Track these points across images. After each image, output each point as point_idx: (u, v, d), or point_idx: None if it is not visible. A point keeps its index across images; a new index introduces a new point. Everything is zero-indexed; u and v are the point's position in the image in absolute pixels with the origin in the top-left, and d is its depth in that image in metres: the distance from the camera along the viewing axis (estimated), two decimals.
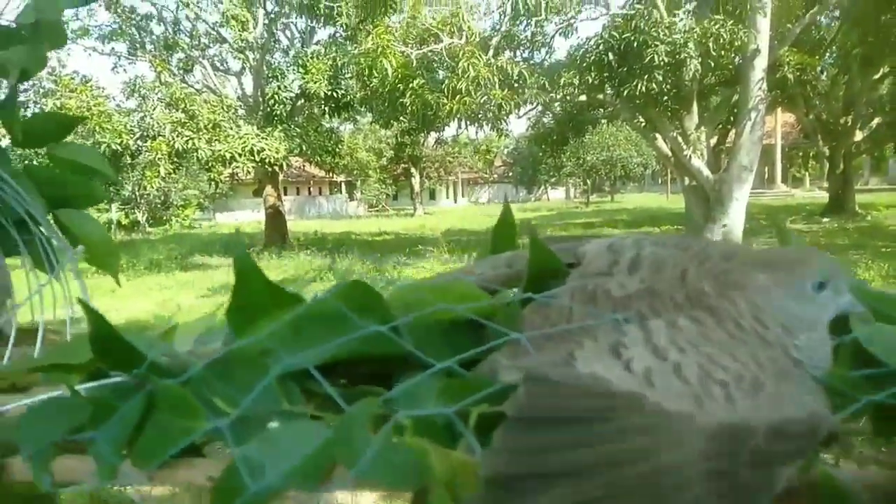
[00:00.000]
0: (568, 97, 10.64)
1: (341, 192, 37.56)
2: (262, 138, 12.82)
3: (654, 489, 0.35)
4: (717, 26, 8.74)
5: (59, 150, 0.87)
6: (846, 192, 16.50)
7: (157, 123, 12.44)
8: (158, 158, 12.12)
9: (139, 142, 12.58)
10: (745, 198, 9.42)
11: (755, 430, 0.36)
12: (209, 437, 0.45)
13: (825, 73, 15.66)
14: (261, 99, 14.21)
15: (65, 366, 0.53)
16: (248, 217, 29.73)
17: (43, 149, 0.87)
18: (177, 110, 12.66)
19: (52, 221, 0.85)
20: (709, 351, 0.41)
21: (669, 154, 10.63)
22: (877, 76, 15.14)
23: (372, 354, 0.48)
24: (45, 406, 0.49)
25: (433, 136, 24.75)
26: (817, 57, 14.10)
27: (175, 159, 12.70)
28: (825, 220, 15.03)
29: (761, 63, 9.12)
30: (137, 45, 14.95)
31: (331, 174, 23.29)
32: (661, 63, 8.77)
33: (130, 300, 8.02)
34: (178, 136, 12.24)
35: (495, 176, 40.93)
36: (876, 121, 16.22)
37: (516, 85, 9.98)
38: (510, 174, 38.73)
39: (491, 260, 0.62)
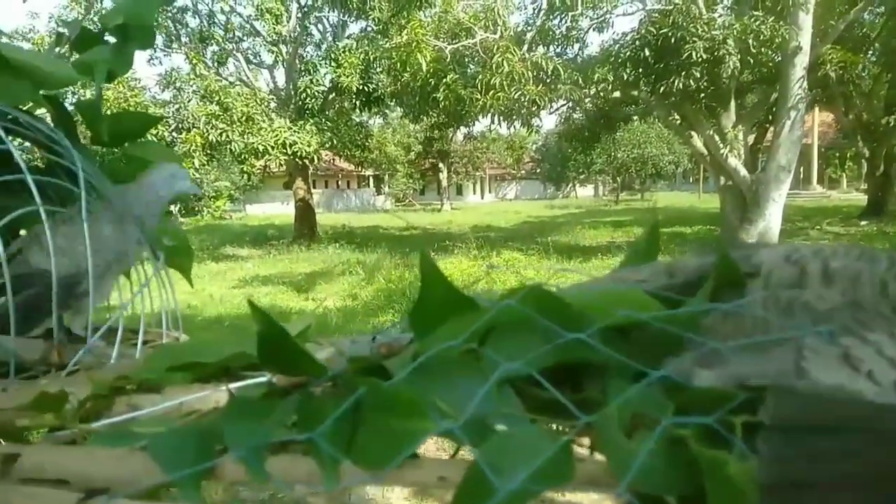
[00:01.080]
0: (601, 93, 10.51)
1: (369, 186, 37.75)
2: (294, 131, 12.92)
3: None
4: (757, 23, 8.55)
5: (135, 150, 0.88)
6: (886, 194, 16.06)
7: (192, 115, 12.62)
8: (193, 150, 12.29)
9: (174, 133, 12.76)
10: (783, 199, 9.22)
11: None
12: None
13: (867, 72, 15.21)
14: (293, 92, 14.31)
15: (202, 365, 0.54)
16: (277, 209, 30.03)
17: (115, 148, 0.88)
18: (211, 103, 12.81)
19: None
20: None
21: (705, 152, 10.44)
22: None
23: (567, 361, 0.48)
24: (245, 404, 0.49)
25: (462, 131, 24.67)
26: (860, 55, 13.70)
27: (209, 151, 12.86)
28: (863, 222, 14.63)
29: (802, 61, 8.90)
30: (173, 38, 15.15)
31: (360, 168, 23.36)
32: (699, 59, 8.60)
33: (161, 288, 8.14)
34: (212, 129, 12.39)
35: (523, 172, 40.71)
36: None
37: (549, 80, 9.88)
38: (538, 171, 38.50)
39: (646, 268, 0.60)
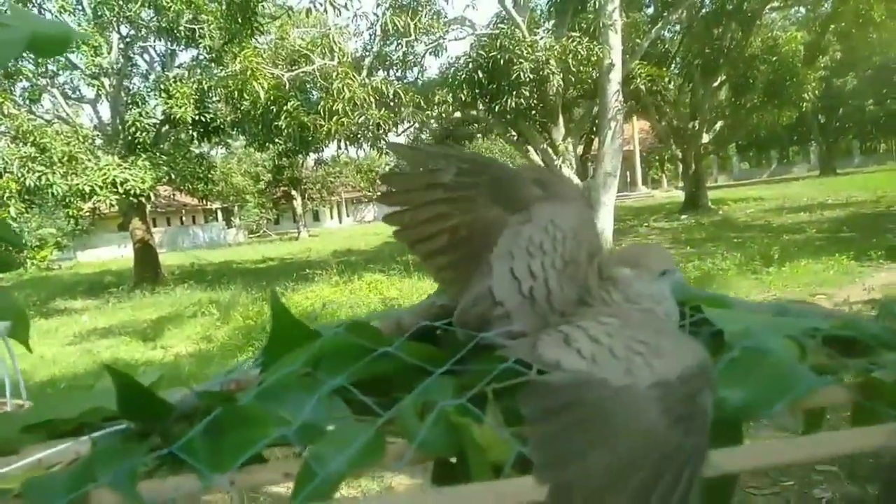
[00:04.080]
0: (443, 114, 10.90)
1: (217, 220, 35.95)
2: (125, 168, 12.00)
3: (632, 438, 0.50)
4: (574, 43, 9.34)
5: None
6: (699, 189, 18.11)
7: (3, 159, 11.31)
8: (8, 198, 11.00)
9: None
10: (612, 202, 10.08)
11: (672, 380, 0.53)
12: (274, 443, 0.54)
13: (672, 83, 17.16)
14: (120, 127, 13.31)
15: (60, 421, 0.58)
16: (113, 253, 27.66)
17: None
18: (25, 144, 11.57)
19: None
20: (625, 332, 0.59)
21: (541, 164, 11.17)
22: (715, 83, 16.82)
23: (383, 373, 0.62)
24: (110, 444, 0.54)
25: (312, 156, 24.33)
26: (664, 68, 15.44)
27: (27, 197, 11.59)
28: (683, 216, 16.38)
29: (616, 76, 9.85)
30: None
31: (204, 202, 22.21)
32: (527, 79, 9.23)
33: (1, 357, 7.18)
34: (28, 172, 11.18)
35: (379, 193, 40.85)
36: (719, 124, 17.99)
37: (392, 104, 10.08)
38: None
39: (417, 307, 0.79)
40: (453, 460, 0.57)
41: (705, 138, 17.69)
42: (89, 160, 11.80)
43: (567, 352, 0.57)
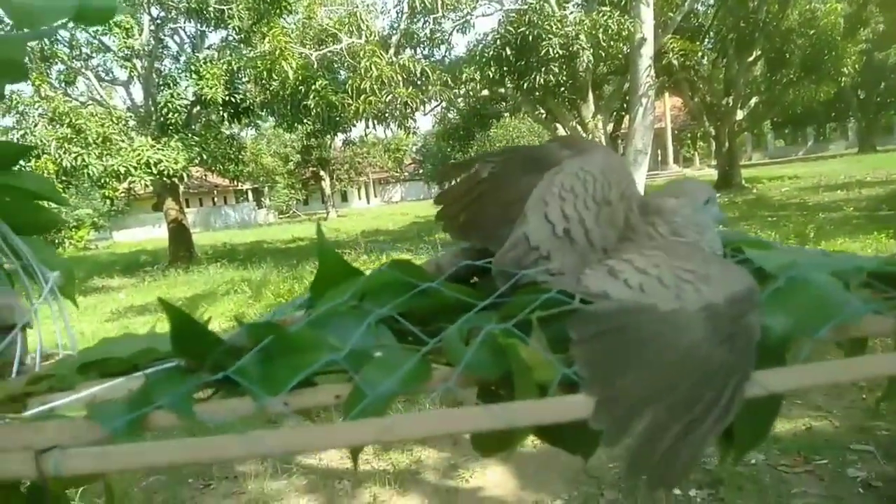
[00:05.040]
0: (471, 92, 10.83)
1: (248, 200, 36.40)
2: (158, 149, 12.20)
3: (678, 355, 0.53)
4: (605, 17, 9.17)
5: (10, 179, 0.88)
6: (732, 168, 17.73)
7: (41, 140, 11.59)
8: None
9: (22, 161, 11.64)
10: (643, 180, 9.94)
11: (720, 303, 0.56)
12: (324, 370, 0.56)
13: (705, 58, 16.74)
14: (153, 108, 13.51)
15: (113, 361, 0.61)
16: (148, 234, 28.28)
17: None
18: (61, 125, 11.83)
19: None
20: (672, 263, 0.62)
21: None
22: (751, 58, 16.35)
23: (426, 307, 0.64)
24: (160, 375, 0.57)
25: (340, 137, 24.40)
26: (698, 43, 15.06)
27: (64, 178, 11.87)
28: (716, 195, 16.07)
29: (648, 51, 9.64)
30: None
31: (235, 182, 22.48)
32: (556, 55, 9.10)
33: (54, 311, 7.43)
34: (65, 153, 11.45)
35: (406, 174, 40.93)
36: (754, 100, 17.52)
37: (419, 82, 10.05)
38: (421, 171, 38.86)
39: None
40: (493, 388, 0.59)
41: (739, 115, 17.28)
42: (123, 141, 12.03)
43: (613, 282, 0.61)
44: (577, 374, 0.51)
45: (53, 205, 0.95)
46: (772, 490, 2.46)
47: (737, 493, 2.45)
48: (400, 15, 11.25)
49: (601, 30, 9.17)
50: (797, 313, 0.59)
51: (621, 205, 0.72)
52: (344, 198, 39.39)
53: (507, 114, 17.46)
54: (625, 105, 12.73)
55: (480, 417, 0.50)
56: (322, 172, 32.44)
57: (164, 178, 12.51)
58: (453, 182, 0.85)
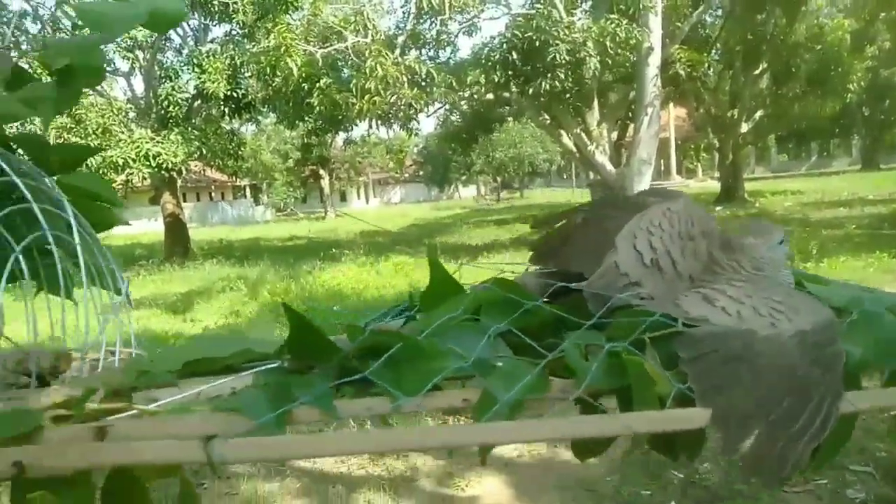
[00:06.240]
0: (475, 96, 10.73)
1: (246, 197, 36.27)
2: (158, 142, 12.10)
3: (778, 374, 0.60)
4: (613, 25, 9.08)
5: (71, 179, 0.91)
6: (736, 181, 17.66)
7: (40, 129, 11.47)
8: None
9: (19, 151, 11.54)
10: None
11: (809, 331, 0.64)
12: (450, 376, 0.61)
13: (712, 70, 16.68)
14: (153, 100, 13.41)
15: (214, 360, 0.66)
16: (144, 227, 28.07)
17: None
18: (61, 114, 11.72)
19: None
20: (761, 294, 0.70)
21: (574, 150, 10.95)
22: (757, 71, 16.30)
23: (534, 325, 0.70)
24: (269, 376, 0.62)
25: (341, 136, 24.33)
26: (704, 54, 14.99)
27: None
28: (718, 208, 15.99)
29: (655, 60, 9.57)
30: (11, 46, 13.68)
31: (234, 178, 22.38)
32: (563, 61, 9.00)
33: (16, 323, 7.31)
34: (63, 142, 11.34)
35: (406, 175, 40.83)
36: (759, 113, 17.46)
37: (424, 84, 9.95)
38: (421, 173, 38.76)
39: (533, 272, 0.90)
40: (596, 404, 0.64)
41: (744, 128, 17.21)
42: (122, 133, 11.93)
43: (711, 309, 0.69)
44: (691, 389, 0.59)
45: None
46: None
47: None
48: (406, 15, 11.16)
49: (609, 37, 9.07)
50: (872, 343, 0.68)
51: (704, 241, 0.80)
52: (343, 197, 39.26)
53: (510, 118, 17.37)
54: (629, 114, 12.65)
55: (608, 424, 0.58)
56: (322, 171, 32.30)
57: (163, 171, 12.39)
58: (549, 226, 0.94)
